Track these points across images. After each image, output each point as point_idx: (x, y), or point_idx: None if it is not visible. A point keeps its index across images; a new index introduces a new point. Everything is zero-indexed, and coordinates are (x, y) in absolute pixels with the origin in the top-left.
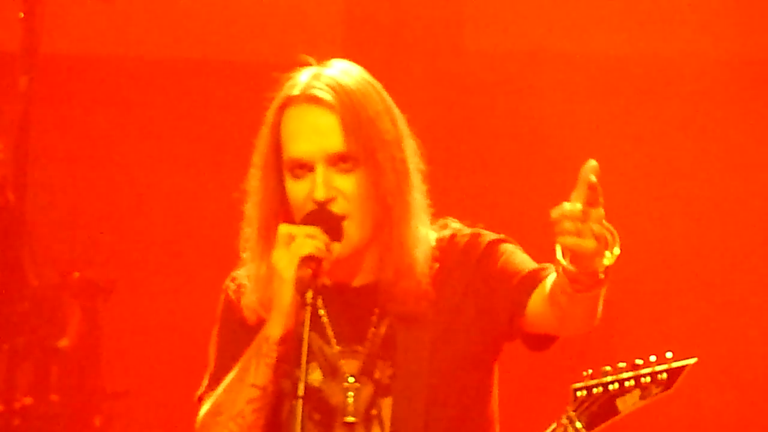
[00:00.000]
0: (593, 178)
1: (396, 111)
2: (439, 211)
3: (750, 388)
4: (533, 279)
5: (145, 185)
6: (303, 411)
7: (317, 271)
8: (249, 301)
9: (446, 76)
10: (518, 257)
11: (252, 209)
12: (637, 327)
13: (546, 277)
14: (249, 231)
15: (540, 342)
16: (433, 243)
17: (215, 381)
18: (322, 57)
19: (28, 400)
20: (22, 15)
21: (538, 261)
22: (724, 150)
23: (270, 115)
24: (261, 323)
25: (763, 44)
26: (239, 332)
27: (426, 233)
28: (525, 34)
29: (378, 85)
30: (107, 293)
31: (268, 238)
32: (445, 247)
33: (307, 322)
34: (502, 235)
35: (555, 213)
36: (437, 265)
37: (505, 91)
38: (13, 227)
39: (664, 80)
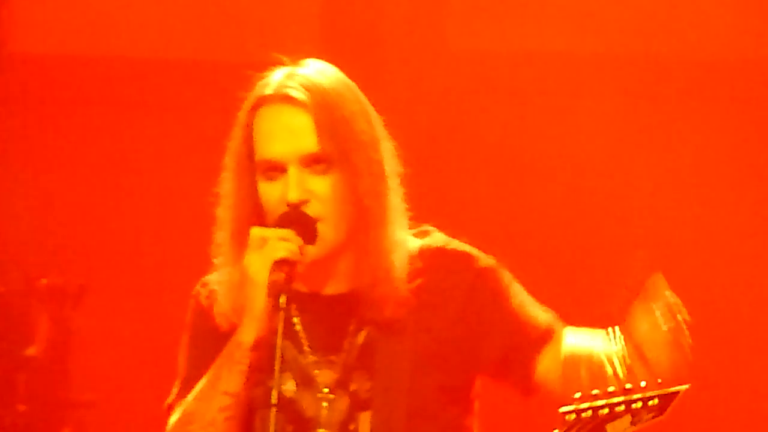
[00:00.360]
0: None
1: (372, 112)
2: (418, 215)
3: (752, 407)
4: (543, 339)
5: (115, 188)
6: (276, 422)
7: (291, 275)
8: (221, 306)
9: (427, 76)
10: (517, 298)
11: (224, 212)
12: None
13: (555, 335)
14: (221, 235)
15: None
16: (416, 252)
17: (185, 389)
18: (297, 56)
19: None
20: None
21: (521, 267)
22: (724, 151)
23: (242, 116)
24: (233, 330)
25: (763, 44)
26: (210, 339)
27: (404, 238)
28: (510, 33)
29: (353, 86)
30: (76, 300)
31: (240, 242)
32: (430, 259)
33: (281, 328)
34: (493, 261)
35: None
36: (420, 279)
37: (488, 92)
38: None
39: (655, 80)
